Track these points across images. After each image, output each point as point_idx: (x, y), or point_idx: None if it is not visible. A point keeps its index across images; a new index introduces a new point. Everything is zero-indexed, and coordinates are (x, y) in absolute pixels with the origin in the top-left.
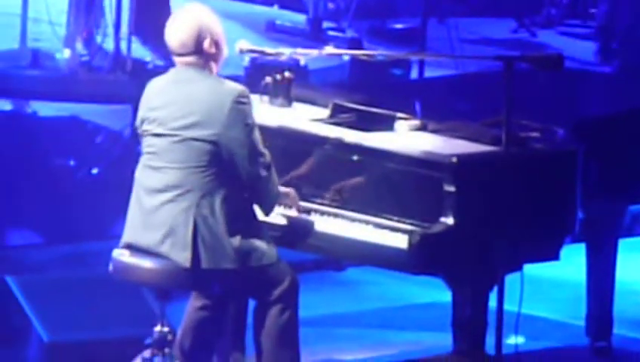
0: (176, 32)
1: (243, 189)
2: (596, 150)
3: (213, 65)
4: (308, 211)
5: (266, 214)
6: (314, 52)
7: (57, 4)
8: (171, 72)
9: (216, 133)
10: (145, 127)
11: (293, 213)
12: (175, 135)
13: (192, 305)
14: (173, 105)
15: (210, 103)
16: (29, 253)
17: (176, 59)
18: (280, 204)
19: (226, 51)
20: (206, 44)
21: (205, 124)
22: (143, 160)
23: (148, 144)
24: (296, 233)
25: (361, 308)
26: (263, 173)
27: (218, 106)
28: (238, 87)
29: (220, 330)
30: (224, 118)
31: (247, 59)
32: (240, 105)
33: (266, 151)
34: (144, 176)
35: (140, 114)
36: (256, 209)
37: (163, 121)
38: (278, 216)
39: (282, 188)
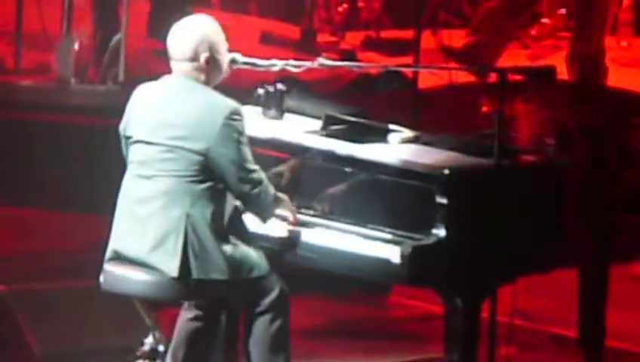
0: (178, 37)
1: (233, 200)
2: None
3: (209, 79)
4: (299, 222)
5: (264, 222)
6: (307, 64)
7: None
8: (164, 79)
9: (207, 147)
10: (130, 131)
11: (284, 223)
12: (165, 144)
13: (184, 316)
14: (164, 114)
15: (202, 118)
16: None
17: (173, 65)
18: (275, 216)
19: (225, 70)
20: (204, 56)
21: (196, 138)
22: (131, 169)
23: (136, 152)
24: (286, 244)
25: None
26: (252, 189)
27: (210, 122)
28: (232, 104)
29: (212, 341)
30: (215, 134)
31: None
32: (232, 122)
33: (256, 168)
34: (133, 186)
35: (126, 117)
36: (247, 219)
37: (152, 129)
38: (267, 227)
39: (281, 196)
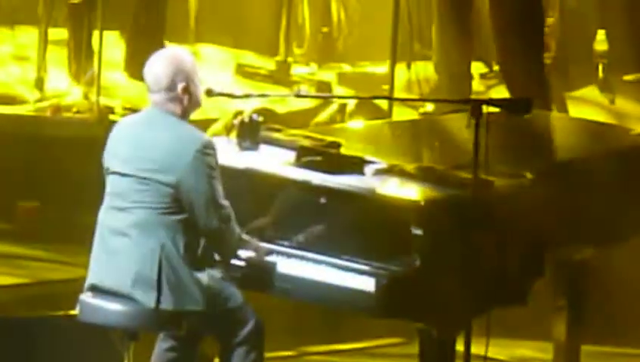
0: (154, 67)
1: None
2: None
3: (184, 111)
4: (274, 253)
5: (225, 262)
6: (283, 95)
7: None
8: (142, 112)
9: (177, 179)
10: (107, 163)
11: (253, 256)
12: (138, 176)
13: (160, 347)
14: (138, 146)
15: (173, 150)
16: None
17: (149, 97)
18: (243, 248)
19: (199, 102)
20: (180, 87)
21: (167, 171)
22: (107, 201)
23: (112, 184)
24: (260, 275)
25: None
26: (219, 224)
27: (181, 154)
28: (204, 138)
29: None
30: (186, 166)
31: None
32: (203, 156)
33: (226, 203)
34: (108, 217)
35: (105, 150)
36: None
37: (127, 161)
38: (237, 258)
39: (246, 236)
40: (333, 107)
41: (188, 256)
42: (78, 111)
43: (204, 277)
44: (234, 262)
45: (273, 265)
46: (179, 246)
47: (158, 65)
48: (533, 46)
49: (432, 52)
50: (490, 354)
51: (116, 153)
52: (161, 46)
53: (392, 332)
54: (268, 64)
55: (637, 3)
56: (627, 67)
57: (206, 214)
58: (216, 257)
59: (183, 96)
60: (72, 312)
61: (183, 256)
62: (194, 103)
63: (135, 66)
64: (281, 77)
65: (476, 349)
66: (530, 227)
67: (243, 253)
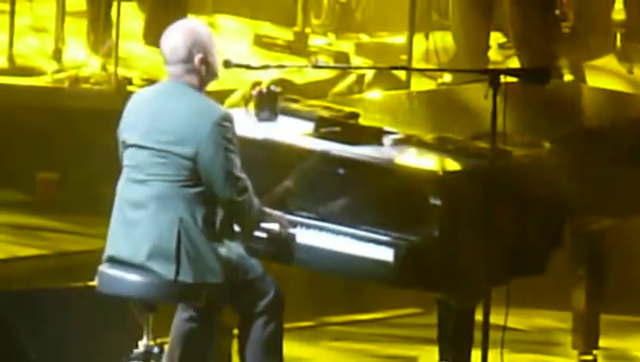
0: (170, 39)
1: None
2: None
3: (201, 83)
4: (293, 224)
5: (246, 236)
6: (300, 66)
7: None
8: (159, 84)
9: (195, 152)
10: (124, 136)
11: (275, 226)
12: (156, 149)
13: (179, 317)
14: (156, 118)
15: (191, 122)
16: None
17: (167, 69)
18: (263, 221)
19: (217, 74)
20: (197, 59)
21: (184, 142)
22: (125, 173)
23: (129, 157)
24: (280, 246)
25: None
26: (236, 197)
27: (199, 126)
28: (222, 110)
29: (209, 341)
30: (203, 139)
31: None
32: (220, 128)
33: (243, 176)
34: (127, 190)
35: (122, 121)
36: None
37: (144, 134)
38: (260, 230)
39: (266, 209)
40: (352, 78)
41: (206, 229)
42: (96, 83)
43: (223, 249)
44: (254, 233)
45: (293, 236)
46: (197, 219)
47: (175, 37)
48: (545, 14)
49: (451, 22)
50: (509, 324)
51: (133, 125)
52: (184, 15)
53: (411, 302)
54: (286, 35)
55: None
56: None
57: (223, 187)
58: (237, 229)
59: (200, 68)
60: (91, 283)
61: (201, 229)
62: (211, 75)
63: (154, 35)
64: (298, 47)
65: (495, 319)
66: (548, 196)
67: (263, 225)
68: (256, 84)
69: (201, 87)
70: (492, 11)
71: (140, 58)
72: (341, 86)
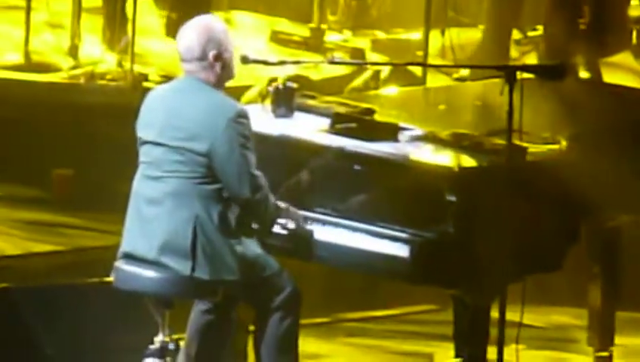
0: (186, 36)
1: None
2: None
3: (217, 79)
4: (309, 220)
5: (263, 233)
6: (317, 62)
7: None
8: (175, 80)
9: (209, 148)
10: (140, 132)
11: (291, 224)
12: (172, 145)
13: (197, 309)
14: (172, 115)
15: (206, 118)
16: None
17: (182, 66)
18: (280, 217)
19: (233, 69)
20: (211, 55)
21: (199, 138)
22: (141, 169)
23: (145, 153)
24: (296, 242)
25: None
26: (251, 194)
27: (214, 122)
28: (238, 106)
29: (226, 335)
30: (218, 135)
31: None
32: (236, 125)
33: (258, 173)
34: (143, 186)
35: (138, 119)
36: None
37: (160, 131)
38: (277, 226)
39: (282, 204)
40: (367, 74)
41: (222, 226)
42: (112, 79)
43: (239, 246)
44: (270, 230)
45: (310, 232)
46: (213, 216)
47: (189, 34)
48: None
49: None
50: (525, 321)
51: (150, 122)
52: (206, 8)
53: (427, 299)
54: (302, 31)
55: None
56: None
57: (238, 184)
58: (253, 226)
59: (215, 64)
60: (107, 279)
61: (217, 226)
62: (228, 71)
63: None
64: (315, 44)
65: (511, 316)
66: (564, 193)
67: (280, 221)
68: (273, 80)
69: (217, 83)
70: (522, 6)
71: (157, 54)
72: (357, 82)
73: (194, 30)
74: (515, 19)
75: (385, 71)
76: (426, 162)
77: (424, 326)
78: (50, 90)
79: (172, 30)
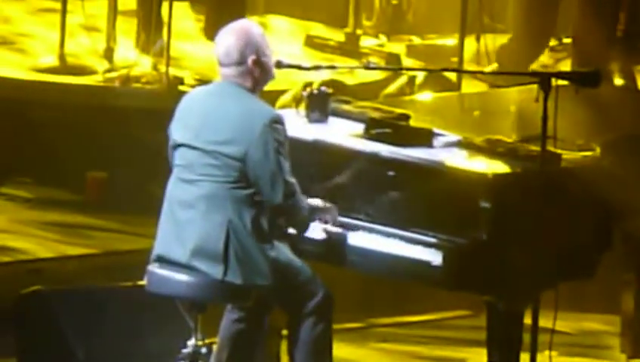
0: (224, 41)
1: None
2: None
3: (254, 84)
4: (342, 225)
5: (295, 238)
6: (352, 67)
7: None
8: (211, 84)
9: (244, 153)
10: (175, 135)
11: (327, 226)
12: (206, 149)
13: (228, 318)
14: (207, 119)
15: (242, 123)
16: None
17: (220, 70)
18: (315, 219)
19: (272, 73)
20: (250, 60)
21: (235, 143)
22: (175, 173)
23: (180, 156)
24: (330, 247)
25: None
26: (284, 200)
27: (249, 127)
28: (273, 112)
29: (257, 342)
30: (253, 140)
31: None
32: (271, 130)
33: (292, 180)
34: (177, 189)
35: (173, 122)
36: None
37: (195, 134)
38: (311, 230)
39: (320, 203)
40: (403, 79)
41: (255, 231)
42: (147, 82)
43: (272, 251)
44: (303, 235)
45: (343, 237)
46: (246, 221)
47: (227, 39)
48: (608, 16)
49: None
50: (557, 327)
51: (185, 125)
52: (242, 14)
53: (460, 304)
54: (337, 36)
55: None
56: None
57: (271, 189)
58: (286, 231)
59: (254, 69)
60: (140, 283)
61: (250, 231)
62: (266, 75)
63: (213, 31)
64: (350, 49)
65: (544, 322)
66: (598, 200)
67: (314, 225)
68: (308, 85)
69: (254, 88)
70: (557, 12)
71: (192, 58)
72: (392, 87)
73: (232, 35)
74: (549, 26)
75: (420, 76)
76: (460, 168)
77: (457, 331)
78: (85, 93)
79: (209, 33)
